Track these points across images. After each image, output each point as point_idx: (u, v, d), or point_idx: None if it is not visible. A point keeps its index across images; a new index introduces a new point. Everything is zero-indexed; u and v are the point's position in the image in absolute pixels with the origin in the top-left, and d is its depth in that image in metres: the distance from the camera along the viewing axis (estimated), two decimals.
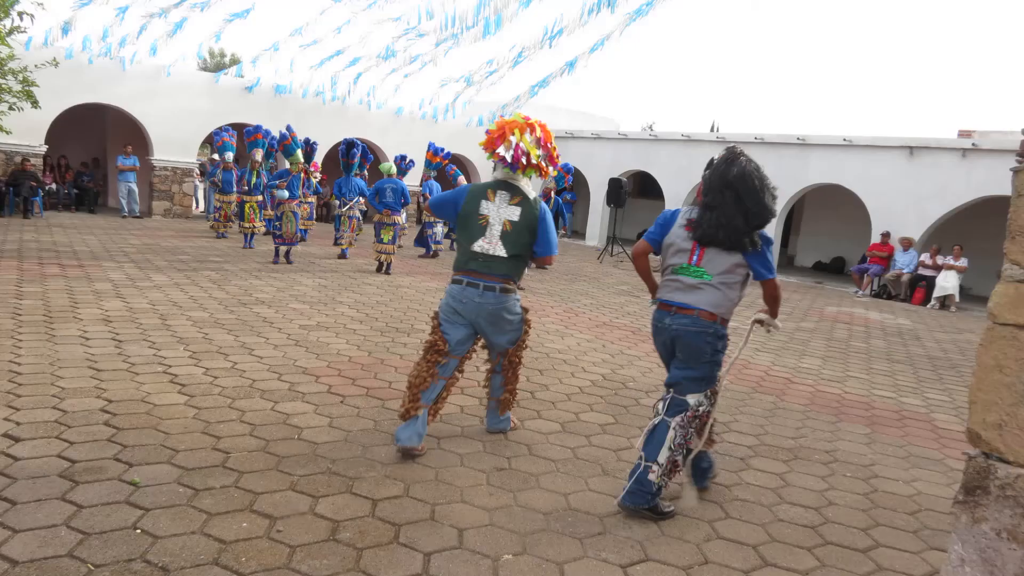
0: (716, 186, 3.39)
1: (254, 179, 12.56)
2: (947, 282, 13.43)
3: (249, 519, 3.02)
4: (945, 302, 13.46)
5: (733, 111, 72.93)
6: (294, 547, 2.83)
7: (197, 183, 18.61)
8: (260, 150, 12.73)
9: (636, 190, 22.20)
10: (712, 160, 3.52)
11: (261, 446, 3.81)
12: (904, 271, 14.20)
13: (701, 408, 3.46)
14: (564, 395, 5.33)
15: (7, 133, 12.74)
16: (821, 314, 11.16)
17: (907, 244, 14.39)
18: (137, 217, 15.79)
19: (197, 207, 19.02)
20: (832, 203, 18.30)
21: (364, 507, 3.23)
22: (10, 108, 11.94)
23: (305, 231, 12.97)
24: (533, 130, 3.94)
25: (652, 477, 3.33)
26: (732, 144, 3.92)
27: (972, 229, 14.95)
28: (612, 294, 11.01)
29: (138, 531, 2.85)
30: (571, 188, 22.10)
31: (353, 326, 6.97)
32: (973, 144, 14.05)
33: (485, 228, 3.88)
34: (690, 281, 3.44)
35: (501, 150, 3.91)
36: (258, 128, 13.04)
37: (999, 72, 72.04)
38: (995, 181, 13.44)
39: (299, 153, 11.21)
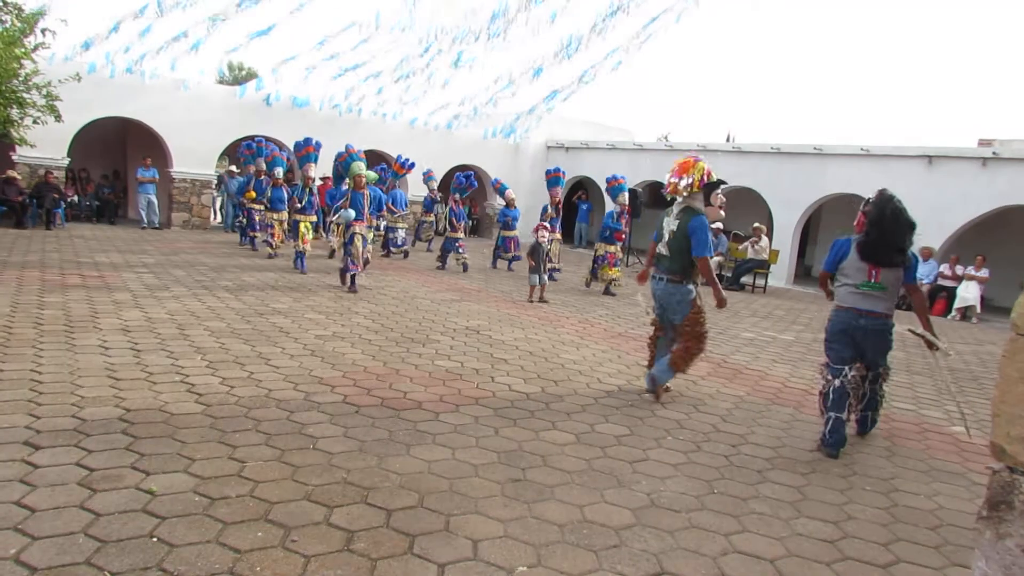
0: (883, 222, 4.67)
1: (306, 196, 11.69)
2: (968, 293, 13.25)
3: (264, 528, 3.03)
4: (966, 313, 13.29)
5: (749, 121, 72.73)
6: (309, 557, 2.84)
7: (215, 195, 18.78)
8: (312, 164, 11.76)
9: (651, 200, 22.17)
10: (869, 200, 4.84)
11: (277, 456, 3.83)
12: (924, 281, 14.04)
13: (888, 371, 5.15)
14: (579, 406, 5.30)
15: (31, 146, 12.99)
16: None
17: (927, 254, 14.23)
18: (156, 228, 15.98)
19: (215, 218, 19.23)
20: (850, 213, 18.13)
21: (379, 517, 3.22)
22: (34, 122, 12.16)
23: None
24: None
25: (878, 420, 5.20)
26: (883, 189, 4.91)
27: (993, 239, 14.76)
28: (628, 305, 10.97)
29: (154, 539, 2.86)
30: (586, 198, 22.13)
31: (368, 336, 6.99)
32: (994, 153, 13.89)
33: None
34: (872, 293, 4.75)
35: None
36: (308, 141, 11.80)
37: (1020, 81, 71.30)
38: (1017, 190, 13.27)
39: (357, 166, 9.85)
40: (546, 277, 10.44)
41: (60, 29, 11.91)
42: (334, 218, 12.04)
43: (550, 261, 12.86)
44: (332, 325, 7.36)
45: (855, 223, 4.96)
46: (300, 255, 11.46)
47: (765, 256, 14.98)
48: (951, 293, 13.59)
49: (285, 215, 12.83)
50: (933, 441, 5.29)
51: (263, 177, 13.61)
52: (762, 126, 73.45)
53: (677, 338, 5.63)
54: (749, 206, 18.02)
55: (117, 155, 18.39)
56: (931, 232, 14.45)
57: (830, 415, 4.75)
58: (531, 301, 10.26)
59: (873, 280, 4.76)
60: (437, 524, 3.21)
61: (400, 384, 5.43)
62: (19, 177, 14.02)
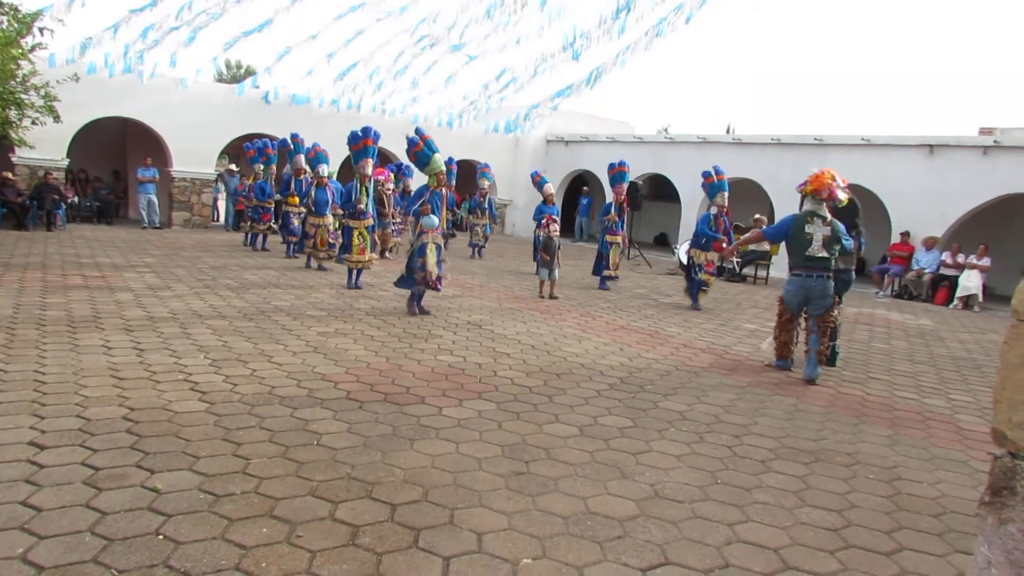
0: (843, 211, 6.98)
1: (364, 198, 9.67)
2: (970, 282, 13.23)
3: (269, 525, 3.04)
4: (968, 302, 13.27)
5: (749, 112, 72.51)
6: (314, 552, 2.85)
7: (219, 188, 18.70)
8: (370, 160, 9.55)
9: (652, 192, 22.15)
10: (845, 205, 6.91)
11: (280, 452, 3.84)
12: (926, 270, 14.02)
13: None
14: (582, 399, 5.31)
15: (30, 147, 12.99)
16: (841, 315, 11.03)
17: (930, 244, 14.20)
18: (157, 228, 15.98)
19: (218, 218, 19.23)
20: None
21: (383, 512, 3.24)
22: (33, 123, 12.16)
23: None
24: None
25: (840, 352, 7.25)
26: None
27: (995, 228, 14.73)
28: (629, 297, 10.97)
29: (160, 537, 2.88)
30: (587, 192, 22.10)
31: (371, 332, 7.00)
32: (995, 141, 13.85)
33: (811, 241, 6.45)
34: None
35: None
36: (367, 131, 9.54)
37: (1020, 69, 71.04)
38: (1018, 179, 13.24)
39: (438, 161, 7.87)
40: (555, 273, 10.23)
41: (58, 29, 11.91)
42: (406, 224, 9.76)
43: (609, 268, 11.60)
44: (334, 322, 7.37)
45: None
46: (354, 272, 9.74)
47: (767, 247, 14.96)
48: (953, 282, 13.57)
49: (330, 219, 11.27)
50: (935, 429, 5.29)
51: (303, 177, 12.52)
52: (763, 117, 73.25)
53: (815, 329, 6.52)
54: (750, 197, 18.00)
55: (117, 155, 18.39)
56: (933, 221, 14.44)
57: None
58: (541, 297, 10.14)
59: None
60: (442, 518, 3.22)
61: (403, 379, 5.44)
62: (14, 178, 14.00)
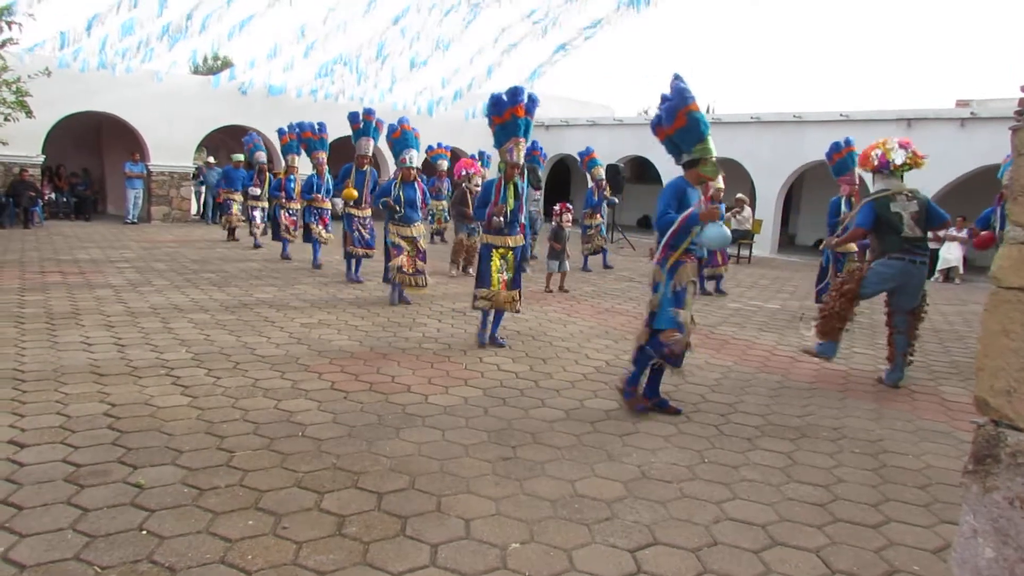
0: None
1: (510, 200, 6.21)
2: (951, 254, 13.37)
3: (255, 517, 3.01)
4: (949, 274, 13.40)
5: (728, 91, 72.52)
6: (300, 543, 2.82)
7: (209, 179, 18.35)
8: (522, 140, 6.12)
9: (634, 175, 22.11)
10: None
11: (265, 444, 3.80)
12: None
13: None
14: (568, 382, 5.30)
15: (4, 144, 12.73)
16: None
17: None
18: (134, 223, 15.75)
19: (199, 212, 18.98)
20: (831, 180, 18.12)
21: (370, 501, 3.21)
22: (5, 119, 11.92)
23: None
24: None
25: None
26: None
27: (974, 199, 14.84)
28: (613, 281, 10.98)
29: (144, 532, 2.84)
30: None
31: (355, 322, 6.95)
32: (972, 113, 13.95)
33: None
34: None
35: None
36: (516, 95, 5.96)
37: (996, 42, 71.46)
38: (996, 149, 13.32)
39: (710, 142, 4.59)
40: (566, 264, 9.49)
41: (29, 24, 11.62)
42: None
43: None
44: (318, 312, 7.31)
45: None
46: (494, 315, 6.52)
47: (748, 226, 15.00)
48: (934, 255, 13.68)
49: (422, 228, 7.92)
50: (920, 402, 5.34)
51: (367, 167, 9.10)
52: (742, 96, 73.27)
53: (902, 328, 5.70)
54: (731, 177, 17.96)
55: (93, 150, 18.08)
56: None
57: None
58: (548, 291, 9.45)
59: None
60: (429, 505, 3.21)
61: (388, 368, 5.41)
62: None
